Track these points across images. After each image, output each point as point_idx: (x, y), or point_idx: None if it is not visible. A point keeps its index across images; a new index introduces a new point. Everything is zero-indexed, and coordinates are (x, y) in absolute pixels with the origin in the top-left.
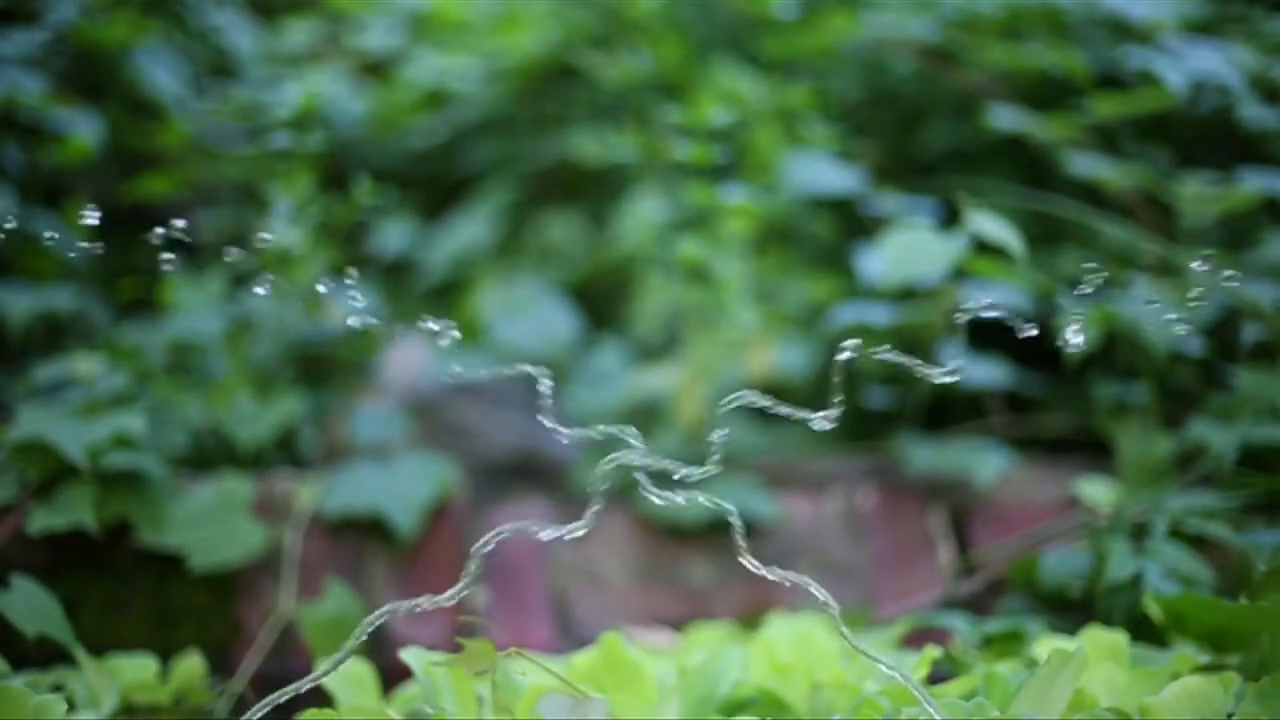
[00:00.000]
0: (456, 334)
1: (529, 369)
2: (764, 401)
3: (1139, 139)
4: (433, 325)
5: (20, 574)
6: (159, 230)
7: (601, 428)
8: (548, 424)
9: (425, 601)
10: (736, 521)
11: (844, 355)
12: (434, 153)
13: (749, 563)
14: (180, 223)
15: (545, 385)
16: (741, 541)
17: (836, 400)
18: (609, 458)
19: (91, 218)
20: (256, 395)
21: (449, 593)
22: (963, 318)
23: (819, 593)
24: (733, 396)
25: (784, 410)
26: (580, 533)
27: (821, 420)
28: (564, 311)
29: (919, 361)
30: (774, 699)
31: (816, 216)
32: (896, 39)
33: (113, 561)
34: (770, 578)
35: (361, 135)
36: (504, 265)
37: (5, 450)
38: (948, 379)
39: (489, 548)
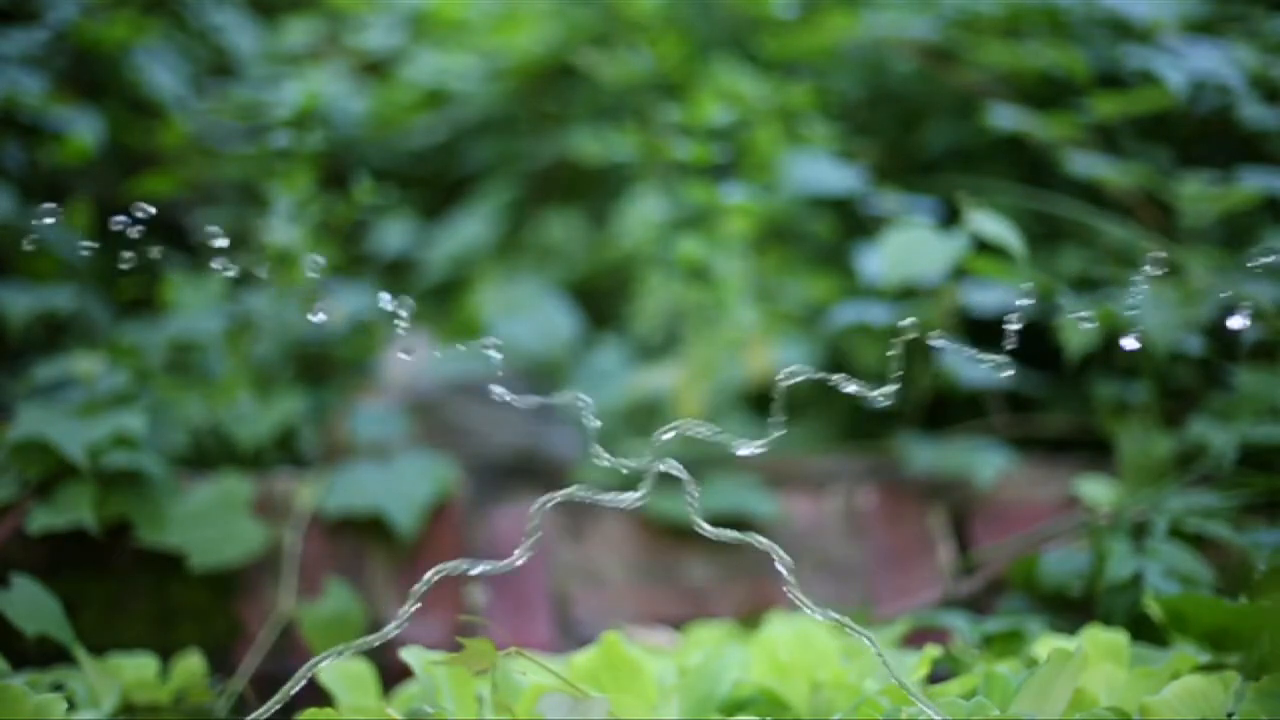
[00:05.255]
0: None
1: (573, 396)
2: (697, 430)
3: (1139, 138)
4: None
5: (20, 574)
6: (212, 238)
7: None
8: (601, 454)
9: (407, 612)
10: (775, 550)
11: (784, 382)
12: (434, 152)
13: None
14: (220, 240)
15: (588, 411)
16: (788, 573)
17: (770, 434)
18: (669, 426)
19: (143, 213)
20: (256, 395)
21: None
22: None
23: (838, 619)
24: (665, 430)
25: (717, 436)
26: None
27: (752, 448)
28: (564, 311)
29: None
30: (774, 698)
31: (816, 216)
32: (896, 38)
33: (113, 561)
34: (806, 604)
35: (361, 135)
36: (504, 264)
37: (5, 450)
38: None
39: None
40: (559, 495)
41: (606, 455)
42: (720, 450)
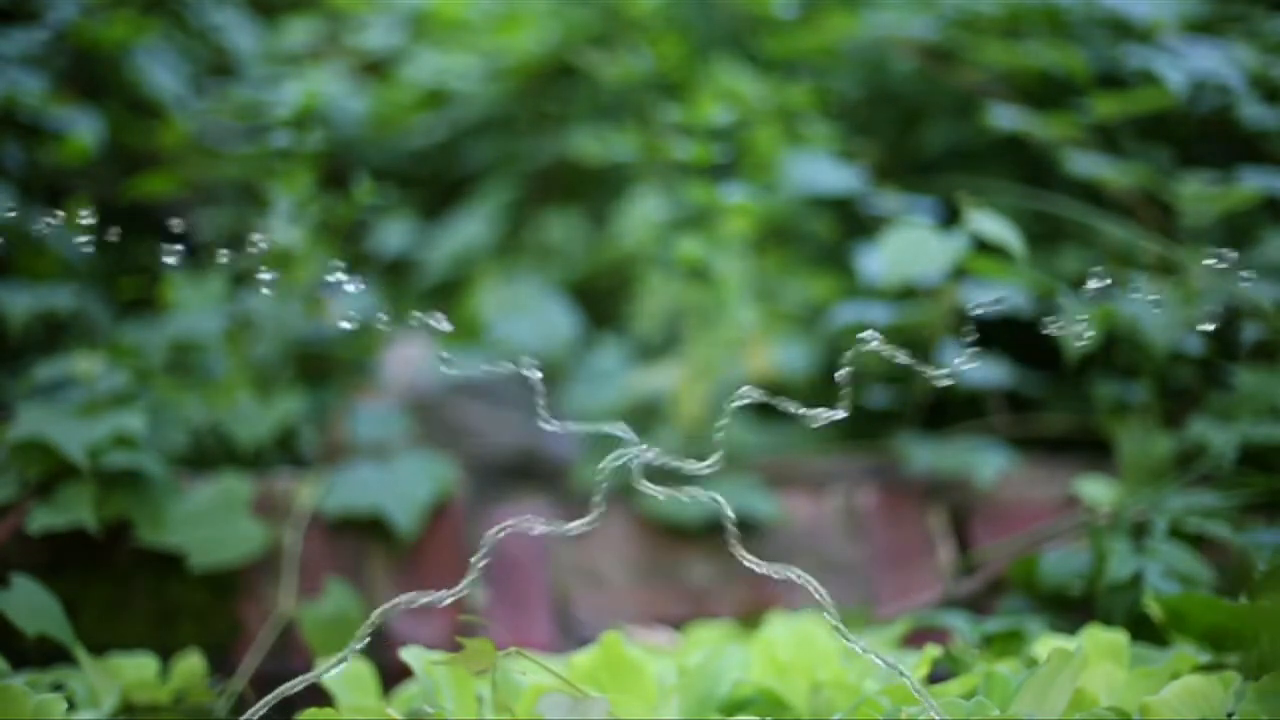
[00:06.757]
0: (448, 326)
1: (520, 364)
2: (766, 398)
3: (1139, 138)
4: (429, 321)
5: (20, 574)
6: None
7: (603, 427)
8: (544, 420)
9: (429, 597)
10: (730, 515)
11: (847, 362)
12: (434, 152)
13: (745, 557)
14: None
15: (537, 378)
16: (736, 541)
17: (841, 399)
18: (615, 453)
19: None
20: (256, 395)
21: (453, 590)
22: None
23: (811, 585)
24: (737, 394)
25: (787, 407)
26: (583, 530)
27: (822, 417)
28: (564, 311)
29: (920, 362)
30: (774, 698)
31: (816, 216)
32: (896, 38)
33: (113, 561)
34: (768, 574)
35: (361, 134)
36: (504, 264)
37: (5, 449)
38: (947, 380)
39: (493, 540)
40: (633, 453)
41: (554, 423)
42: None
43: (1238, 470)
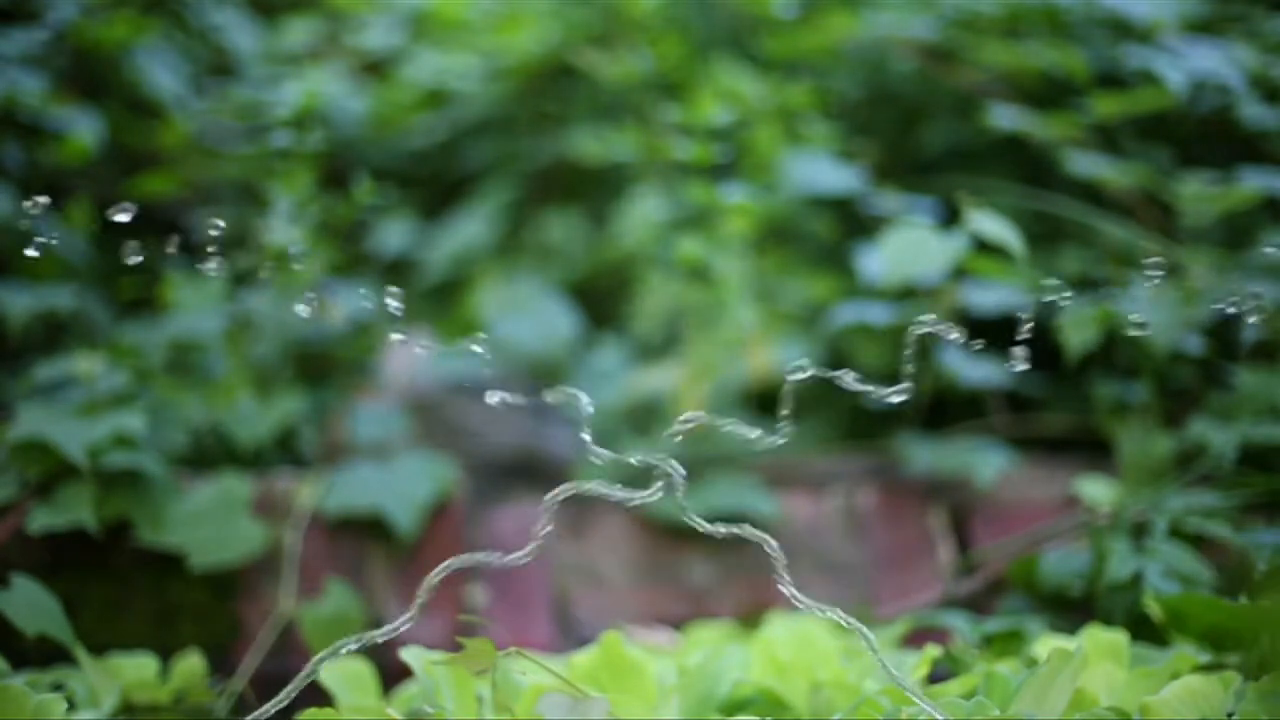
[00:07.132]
0: (400, 305)
1: (570, 394)
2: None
3: (1139, 138)
4: (387, 301)
5: (20, 574)
6: (212, 233)
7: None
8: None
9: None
10: (766, 540)
11: (792, 379)
12: (434, 152)
13: (795, 596)
14: (217, 236)
15: (586, 407)
16: (780, 566)
17: (778, 431)
18: (675, 424)
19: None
20: (256, 395)
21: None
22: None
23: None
24: (680, 421)
25: (731, 428)
26: (647, 500)
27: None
28: (564, 311)
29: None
30: (774, 698)
31: (816, 215)
32: (897, 38)
33: (113, 561)
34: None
35: (361, 134)
36: (504, 264)
37: (5, 449)
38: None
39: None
40: (568, 489)
41: (602, 451)
42: (721, 450)
43: (1238, 470)
